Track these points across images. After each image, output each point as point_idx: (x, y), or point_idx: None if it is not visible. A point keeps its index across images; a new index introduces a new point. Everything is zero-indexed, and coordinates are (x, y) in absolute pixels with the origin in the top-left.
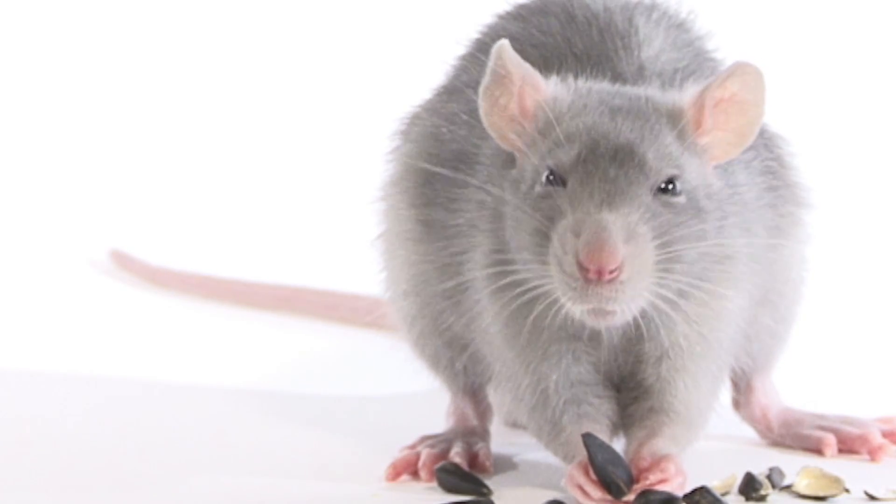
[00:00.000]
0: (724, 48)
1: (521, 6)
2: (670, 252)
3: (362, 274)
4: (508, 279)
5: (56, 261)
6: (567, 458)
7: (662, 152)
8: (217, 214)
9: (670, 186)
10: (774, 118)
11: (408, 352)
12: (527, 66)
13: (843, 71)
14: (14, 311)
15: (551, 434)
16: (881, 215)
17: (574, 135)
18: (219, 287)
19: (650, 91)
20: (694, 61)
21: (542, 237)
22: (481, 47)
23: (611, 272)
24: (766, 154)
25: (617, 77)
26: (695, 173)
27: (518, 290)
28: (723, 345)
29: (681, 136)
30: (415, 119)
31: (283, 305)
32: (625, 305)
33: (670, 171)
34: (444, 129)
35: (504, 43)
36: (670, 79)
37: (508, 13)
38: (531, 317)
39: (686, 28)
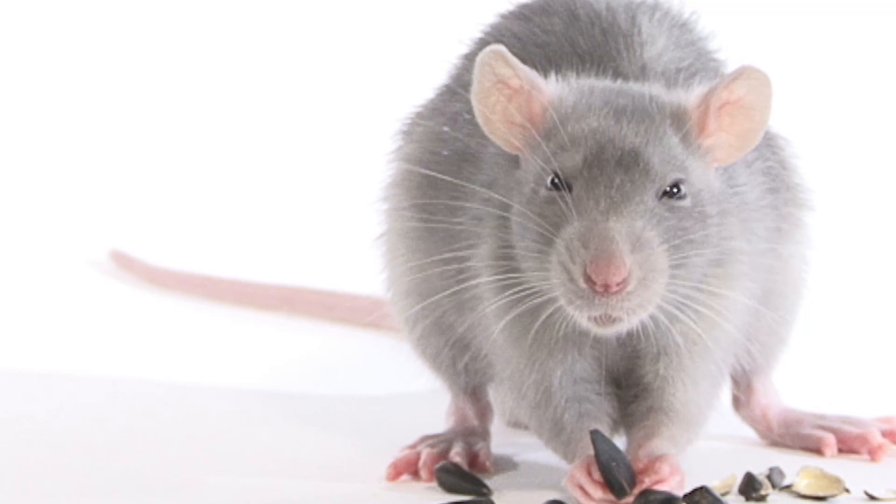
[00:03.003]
0: (727, 49)
1: (524, 5)
2: (676, 257)
3: (362, 274)
4: (513, 283)
5: (56, 261)
6: (568, 456)
7: (667, 156)
8: (217, 215)
9: (675, 190)
10: (776, 119)
11: (408, 352)
12: (527, 69)
13: (845, 72)
14: (14, 311)
15: (552, 432)
16: (881, 216)
17: (579, 139)
18: (219, 287)
19: (655, 89)
20: (697, 61)
21: (547, 242)
22: (484, 47)
23: (618, 284)
24: (768, 155)
25: (620, 76)
26: (699, 176)
27: (522, 294)
28: (722, 344)
29: (685, 138)
30: (417, 119)
31: (283, 305)
32: (632, 313)
33: (675, 175)
34: (447, 130)
35: (501, 48)
36: (673, 78)
37: (511, 12)
38: (536, 322)
39: (689, 28)
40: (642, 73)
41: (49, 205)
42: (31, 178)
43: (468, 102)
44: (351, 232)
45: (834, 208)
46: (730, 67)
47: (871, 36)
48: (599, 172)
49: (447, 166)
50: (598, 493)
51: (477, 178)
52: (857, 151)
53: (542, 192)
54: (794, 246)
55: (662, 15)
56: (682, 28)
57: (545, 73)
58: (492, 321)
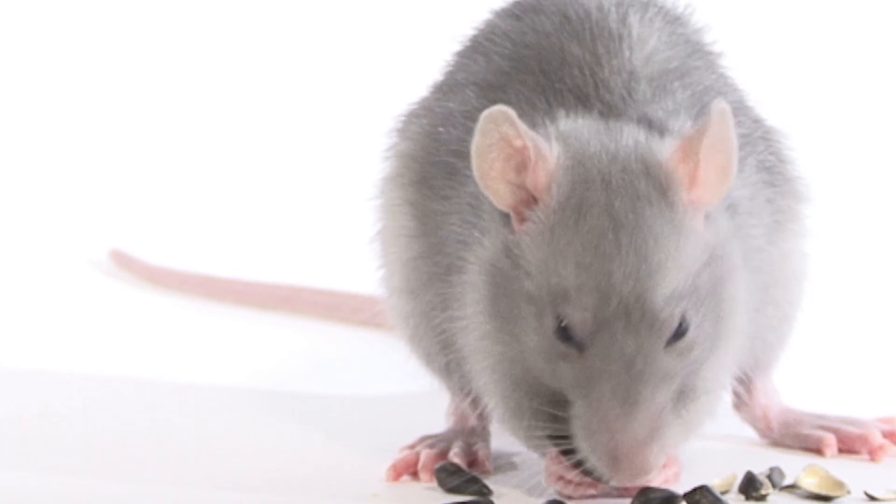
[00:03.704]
0: (722, 41)
1: (517, 3)
2: (689, 390)
3: (362, 273)
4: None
5: (56, 261)
6: (539, 448)
7: (672, 285)
8: (216, 214)
9: (681, 327)
10: (772, 112)
11: (406, 350)
12: (533, 134)
13: (840, 64)
14: (14, 311)
15: (516, 419)
16: (882, 214)
17: (584, 286)
18: (219, 287)
19: (639, 143)
20: (689, 58)
21: (557, 381)
22: (477, 45)
23: None
24: (761, 148)
25: (606, 87)
26: (693, 259)
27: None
28: (723, 341)
29: (672, 208)
30: (411, 117)
31: (283, 305)
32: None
33: (680, 311)
34: (441, 129)
35: (508, 110)
36: (660, 82)
37: (504, 10)
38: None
39: (682, 22)
40: (629, 79)
41: (49, 204)
42: (31, 177)
43: (462, 102)
44: (350, 231)
45: (834, 206)
46: (724, 59)
47: (868, 27)
48: (609, 339)
49: (440, 165)
50: (577, 476)
51: (469, 184)
52: (855, 144)
53: (548, 329)
54: (792, 239)
55: (655, 12)
56: (674, 23)
57: (539, 80)
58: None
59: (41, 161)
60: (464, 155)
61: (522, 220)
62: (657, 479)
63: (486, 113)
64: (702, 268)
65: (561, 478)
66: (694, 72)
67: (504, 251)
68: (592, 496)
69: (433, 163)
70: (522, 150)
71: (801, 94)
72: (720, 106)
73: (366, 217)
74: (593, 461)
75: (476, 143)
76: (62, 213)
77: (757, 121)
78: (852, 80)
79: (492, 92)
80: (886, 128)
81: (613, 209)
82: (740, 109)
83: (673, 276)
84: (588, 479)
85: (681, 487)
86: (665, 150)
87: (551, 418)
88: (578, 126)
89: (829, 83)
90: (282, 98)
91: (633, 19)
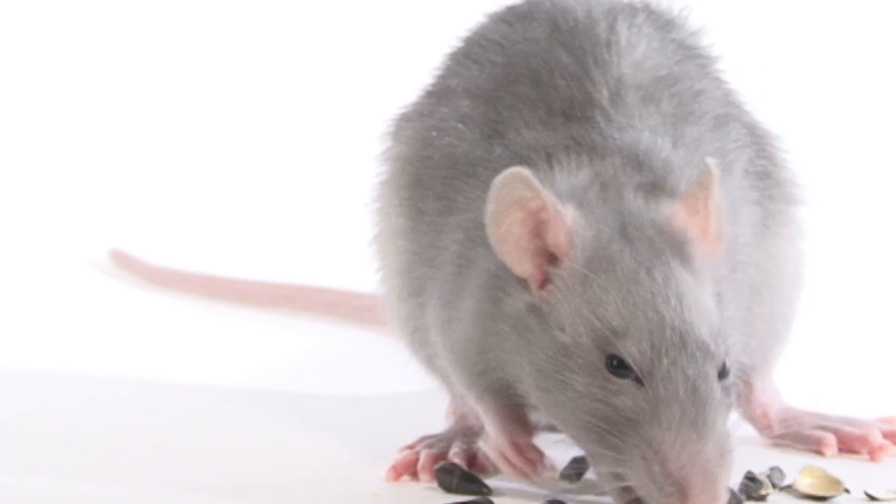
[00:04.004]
0: (717, 44)
1: (510, 9)
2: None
3: (363, 271)
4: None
5: (56, 260)
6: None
7: (713, 326)
8: (216, 213)
9: (725, 367)
10: (766, 115)
11: (406, 352)
12: (550, 194)
13: (834, 65)
14: (14, 311)
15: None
16: (881, 214)
17: (635, 321)
18: (219, 286)
19: (647, 214)
20: (678, 66)
21: (610, 421)
22: (469, 50)
23: None
24: (753, 153)
25: (593, 99)
26: (713, 309)
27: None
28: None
29: (689, 262)
30: (403, 121)
31: (284, 304)
32: None
33: (724, 348)
34: (434, 133)
35: (524, 171)
36: (649, 91)
37: (497, 14)
38: None
39: (674, 26)
40: (617, 89)
41: (48, 204)
42: (30, 177)
43: (454, 108)
44: (351, 229)
45: (834, 206)
46: (720, 62)
47: (864, 27)
48: (672, 367)
49: (436, 170)
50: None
51: (466, 191)
52: (852, 145)
53: (601, 369)
54: (784, 241)
55: (644, 18)
56: (665, 28)
57: (531, 89)
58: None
59: (41, 161)
60: (459, 164)
61: (544, 281)
62: None
63: (499, 178)
64: (718, 317)
65: (504, 457)
66: (685, 78)
67: (529, 311)
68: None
69: (427, 167)
70: (538, 211)
71: (797, 96)
72: (711, 165)
73: (364, 215)
74: (654, 492)
75: (491, 211)
76: (62, 213)
77: (750, 126)
78: (848, 82)
79: (483, 100)
80: (883, 129)
81: (640, 257)
82: (732, 116)
83: (707, 318)
84: (531, 462)
85: None
86: (667, 209)
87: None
88: (579, 185)
89: (827, 84)
90: (281, 96)
91: (622, 26)
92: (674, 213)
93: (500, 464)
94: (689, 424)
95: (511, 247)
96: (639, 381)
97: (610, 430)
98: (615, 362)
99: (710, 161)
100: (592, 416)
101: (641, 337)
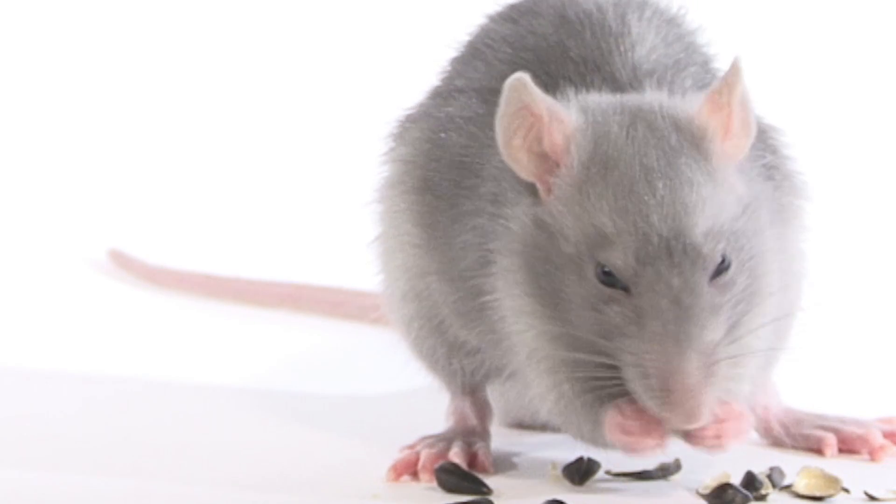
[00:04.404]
0: (716, 42)
1: (512, 7)
2: (737, 337)
3: (364, 270)
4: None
5: (55, 260)
6: (597, 434)
7: (710, 223)
8: (216, 213)
9: (722, 263)
10: (768, 110)
11: (407, 351)
12: (549, 99)
13: (836, 61)
14: (13, 311)
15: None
16: (882, 214)
17: (622, 229)
18: (219, 286)
19: (662, 102)
20: (686, 56)
21: (604, 330)
22: (475, 50)
23: None
24: (759, 145)
25: (613, 81)
26: (729, 206)
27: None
28: (762, 297)
29: (706, 158)
30: (408, 122)
31: (284, 303)
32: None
33: (721, 249)
34: (442, 135)
35: (524, 76)
36: (663, 76)
37: (499, 14)
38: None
39: (677, 23)
40: (634, 75)
41: (48, 204)
42: (30, 177)
43: (461, 108)
44: (352, 228)
45: (834, 205)
46: (719, 60)
47: (865, 23)
48: (655, 277)
49: (444, 173)
50: (636, 425)
51: (479, 189)
52: (856, 144)
53: (592, 278)
54: (793, 235)
55: (652, 13)
56: (670, 24)
57: (542, 80)
58: (522, 353)
59: (40, 161)
60: (468, 165)
61: (549, 188)
62: (711, 430)
63: (508, 82)
64: (737, 216)
65: (622, 428)
66: (692, 68)
67: (535, 224)
68: (657, 446)
69: (437, 169)
70: (540, 116)
71: (797, 91)
72: (739, 60)
73: (366, 216)
74: (647, 402)
75: (499, 113)
76: (61, 213)
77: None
78: (850, 79)
79: (494, 97)
80: (884, 126)
81: (643, 159)
82: None
83: (710, 215)
84: (650, 427)
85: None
86: (691, 105)
87: (601, 373)
88: (597, 96)
89: (826, 81)
90: (281, 96)
91: (632, 18)
92: (696, 109)
93: (620, 438)
94: (672, 338)
95: (516, 150)
96: (627, 290)
97: (605, 341)
98: (605, 269)
99: (737, 56)
100: (591, 326)
101: (627, 247)
